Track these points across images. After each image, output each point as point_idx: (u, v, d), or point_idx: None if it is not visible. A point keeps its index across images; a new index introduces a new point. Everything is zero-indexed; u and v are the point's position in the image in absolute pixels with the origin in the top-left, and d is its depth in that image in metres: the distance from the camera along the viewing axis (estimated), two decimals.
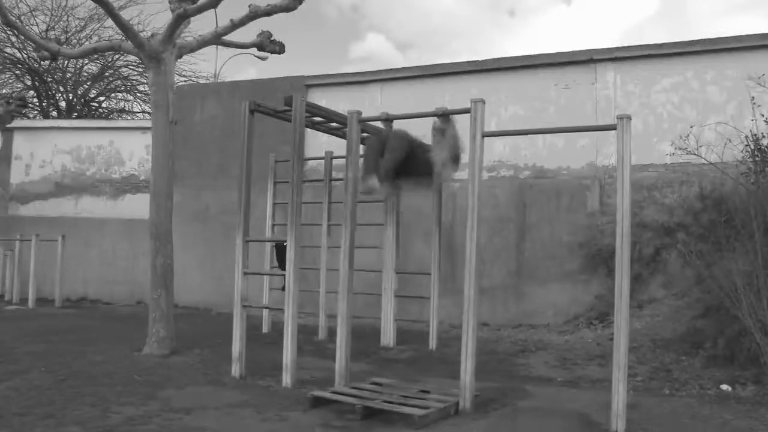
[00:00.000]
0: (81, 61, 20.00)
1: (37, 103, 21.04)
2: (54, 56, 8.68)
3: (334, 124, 7.07)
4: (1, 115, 12.40)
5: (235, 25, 7.58)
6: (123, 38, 8.24)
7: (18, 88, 20.24)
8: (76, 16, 21.01)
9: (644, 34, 50.54)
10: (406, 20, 60.91)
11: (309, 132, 8.16)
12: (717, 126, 8.51)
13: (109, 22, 15.12)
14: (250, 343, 6.40)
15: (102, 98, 22.18)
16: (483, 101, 5.11)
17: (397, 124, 6.02)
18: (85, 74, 21.19)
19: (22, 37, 16.16)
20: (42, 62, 14.68)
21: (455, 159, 5.58)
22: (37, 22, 20.03)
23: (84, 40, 20.02)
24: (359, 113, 5.80)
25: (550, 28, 56.37)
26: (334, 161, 8.77)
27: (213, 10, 7.71)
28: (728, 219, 6.95)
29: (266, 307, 8.68)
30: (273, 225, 9.44)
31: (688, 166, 8.65)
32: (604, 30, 54.20)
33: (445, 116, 5.53)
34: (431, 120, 5.71)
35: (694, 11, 54.37)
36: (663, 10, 55.26)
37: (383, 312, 8.26)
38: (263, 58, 21.88)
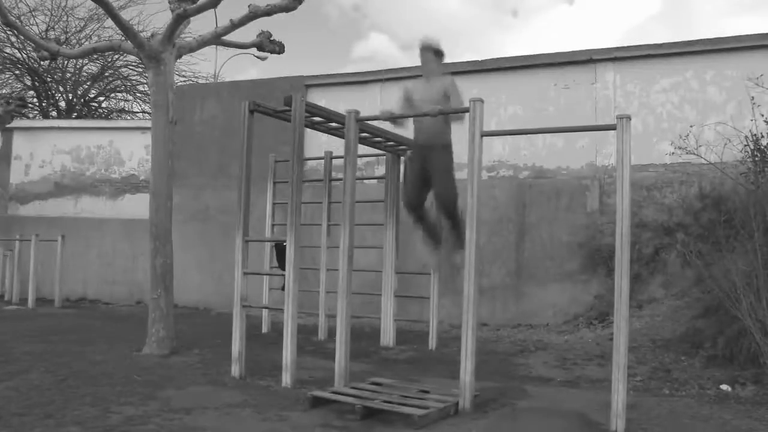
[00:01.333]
0: (81, 61, 20.02)
1: (37, 103, 21.04)
2: (54, 56, 8.68)
3: (334, 124, 7.06)
4: (0, 115, 12.40)
5: (234, 25, 7.57)
6: (123, 38, 8.23)
7: (18, 88, 20.24)
8: (76, 16, 21.12)
9: (647, 34, 50.64)
10: (409, 20, 61.00)
11: (309, 132, 8.16)
12: (717, 126, 8.52)
13: (109, 22, 15.13)
14: (250, 343, 6.39)
15: (102, 98, 22.21)
16: (482, 100, 5.11)
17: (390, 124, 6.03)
18: (85, 74, 21.21)
19: (22, 37, 16.15)
20: (42, 62, 14.67)
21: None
22: (36, 22, 20.06)
23: (84, 40, 20.03)
24: (357, 112, 5.79)
25: (552, 27, 56.45)
26: (334, 161, 8.77)
27: (213, 10, 7.70)
28: (728, 219, 6.96)
29: (266, 307, 8.68)
30: (273, 225, 9.44)
31: (687, 166, 8.66)
32: (606, 30, 54.30)
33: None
34: None
35: (696, 11, 54.41)
36: (665, 9, 55.32)
37: (383, 312, 8.26)
38: (263, 58, 21.91)
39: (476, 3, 62.11)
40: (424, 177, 5.84)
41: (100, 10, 9.70)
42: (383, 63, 57.86)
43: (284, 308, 5.82)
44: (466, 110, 5.12)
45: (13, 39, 18.92)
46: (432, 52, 5.78)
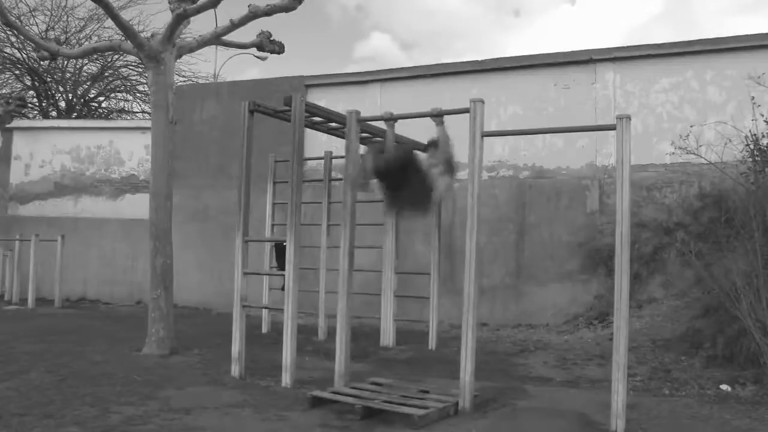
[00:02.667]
0: (81, 61, 20.01)
1: (37, 103, 21.04)
2: (54, 56, 8.69)
3: (334, 124, 7.07)
4: (0, 115, 12.40)
5: (234, 25, 7.58)
6: (123, 38, 8.24)
7: (18, 88, 20.23)
8: (76, 16, 21.07)
9: (649, 34, 50.53)
10: (411, 20, 60.95)
11: (309, 132, 8.16)
12: (717, 126, 8.52)
13: (109, 22, 15.11)
14: (250, 343, 6.40)
15: (102, 98, 22.19)
16: (482, 101, 5.11)
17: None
18: (85, 74, 21.20)
19: (22, 37, 16.15)
20: (41, 62, 14.67)
21: (451, 169, 5.42)
22: (36, 22, 20.05)
23: (84, 40, 20.02)
24: (358, 113, 5.80)
25: (554, 28, 56.33)
26: (334, 161, 8.77)
27: (213, 10, 7.70)
28: (728, 219, 6.96)
29: (266, 307, 8.68)
30: (272, 225, 9.44)
31: (687, 166, 8.66)
32: (608, 30, 54.16)
33: (440, 125, 5.42)
34: (428, 120, 5.71)
35: (699, 11, 54.35)
36: (668, 9, 55.25)
37: (383, 312, 8.26)
38: (263, 58, 21.89)
39: (478, 3, 62.10)
40: None
41: (100, 10, 9.70)
42: (385, 63, 57.77)
43: (284, 308, 5.82)
44: (466, 111, 5.12)
45: (13, 39, 18.91)
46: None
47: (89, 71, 21.04)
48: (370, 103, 10.70)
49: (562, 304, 9.32)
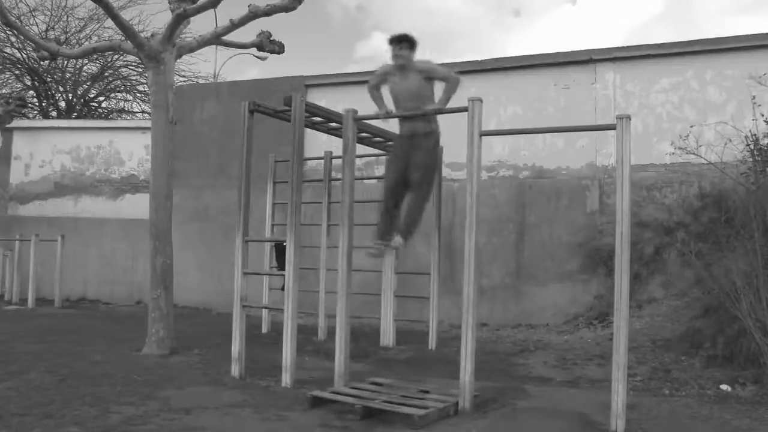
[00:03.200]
0: (81, 61, 20.02)
1: (37, 103, 21.04)
2: (54, 56, 8.69)
3: (334, 124, 7.08)
4: (0, 115, 12.40)
5: (234, 25, 7.58)
6: (123, 38, 8.24)
7: (18, 88, 20.23)
8: (76, 16, 21.10)
9: (649, 34, 50.49)
10: (411, 20, 60.93)
11: (309, 132, 8.16)
12: (717, 126, 8.52)
13: (109, 22, 15.10)
14: (250, 343, 6.40)
15: (102, 98, 22.20)
16: (480, 100, 5.10)
17: (393, 123, 6.01)
18: (85, 74, 21.21)
19: (22, 37, 16.14)
20: (42, 62, 14.67)
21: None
22: (36, 22, 20.06)
23: (84, 40, 20.02)
24: (355, 112, 5.80)
25: (554, 28, 56.26)
26: (334, 161, 8.77)
27: (213, 10, 7.70)
28: (728, 219, 6.96)
29: (266, 307, 8.68)
30: (272, 225, 9.44)
31: (687, 166, 8.66)
32: (609, 30, 54.10)
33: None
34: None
35: (699, 11, 54.31)
36: (668, 9, 55.21)
37: (383, 312, 8.26)
38: (263, 58, 21.88)
39: (478, 3, 62.06)
40: (404, 169, 5.36)
41: (100, 10, 9.69)
42: (385, 63, 57.63)
43: (284, 308, 5.82)
44: (464, 109, 5.11)
45: (13, 39, 18.92)
46: (408, 44, 5.34)
47: (89, 71, 21.06)
48: (370, 102, 10.67)
49: (562, 304, 9.32)
